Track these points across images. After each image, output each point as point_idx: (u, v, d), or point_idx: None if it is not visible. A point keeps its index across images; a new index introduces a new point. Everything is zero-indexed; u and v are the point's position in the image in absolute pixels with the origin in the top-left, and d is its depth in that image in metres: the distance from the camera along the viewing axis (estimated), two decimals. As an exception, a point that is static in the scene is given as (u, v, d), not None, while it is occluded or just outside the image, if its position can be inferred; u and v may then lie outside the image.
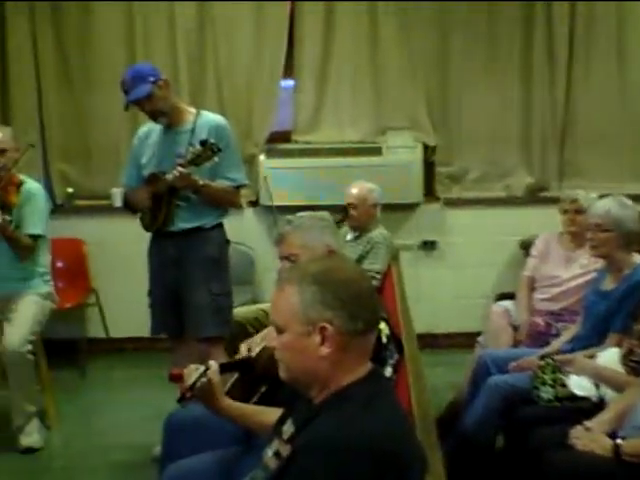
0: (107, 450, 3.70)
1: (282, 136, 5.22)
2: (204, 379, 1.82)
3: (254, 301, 4.78)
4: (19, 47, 5.09)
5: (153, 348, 4.79)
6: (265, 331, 2.52)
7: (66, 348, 4.82)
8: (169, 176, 3.26)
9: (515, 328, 3.82)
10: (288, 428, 1.59)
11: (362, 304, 1.50)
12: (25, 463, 3.59)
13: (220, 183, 3.40)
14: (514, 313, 3.90)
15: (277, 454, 1.58)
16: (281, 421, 1.66)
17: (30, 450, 3.65)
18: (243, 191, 3.97)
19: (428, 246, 5.23)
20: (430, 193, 5.21)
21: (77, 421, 4.11)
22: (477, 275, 5.14)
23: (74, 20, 5.10)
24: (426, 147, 5.11)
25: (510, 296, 4.14)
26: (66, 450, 3.76)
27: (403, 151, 5.04)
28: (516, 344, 3.74)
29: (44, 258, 3.90)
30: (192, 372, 1.84)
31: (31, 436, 3.67)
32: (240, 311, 3.80)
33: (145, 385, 4.60)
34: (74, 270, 5.07)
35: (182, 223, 3.41)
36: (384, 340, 2.10)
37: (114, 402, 4.41)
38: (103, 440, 3.84)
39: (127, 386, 4.69)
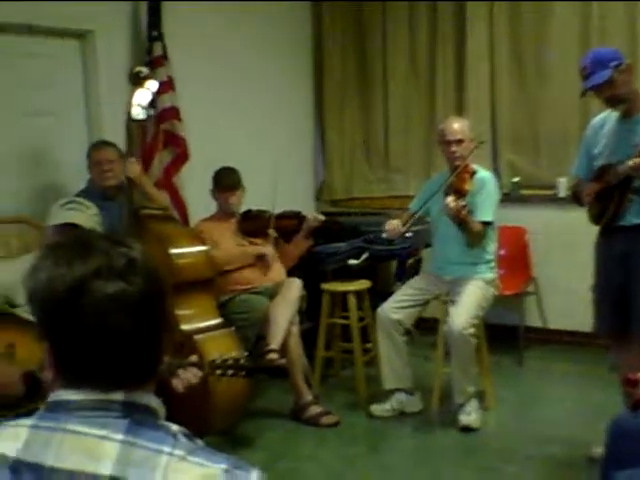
0: (541, 440, 3.68)
1: None
2: (664, 389, 1.69)
3: None
4: (478, 40, 5.32)
5: (590, 344, 4.63)
6: None
7: (505, 334, 4.93)
8: (621, 167, 3.07)
9: None
10: None
11: None
12: (462, 440, 3.76)
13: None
14: None
15: None
16: None
17: (468, 429, 3.80)
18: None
19: None
20: None
21: (513, 407, 4.17)
22: None
23: (529, 10, 5.14)
24: None
25: None
26: (501, 434, 3.84)
27: None
28: None
29: (491, 245, 4.03)
30: (649, 379, 1.72)
31: (470, 415, 3.83)
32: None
33: (581, 380, 4.50)
34: (516, 258, 5.14)
35: (634, 217, 3.20)
36: None
37: (549, 393, 4.38)
38: (537, 430, 3.83)
39: (563, 379, 4.61)
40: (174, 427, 1.06)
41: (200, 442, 1.08)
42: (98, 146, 3.87)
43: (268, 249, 4.16)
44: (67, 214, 2.83)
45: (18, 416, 1.10)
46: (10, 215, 3.82)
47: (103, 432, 1.01)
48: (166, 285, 1.11)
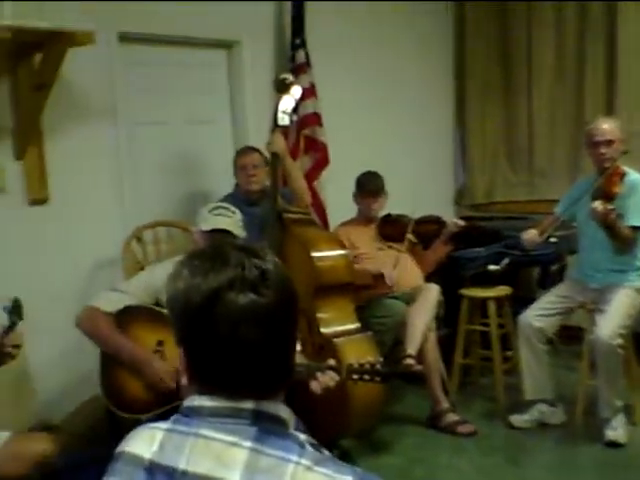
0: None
1: None
2: None
3: None
4: (631, 39, 5.10)
5: None
6: None
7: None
8: None
9: None
10: None
11: None
12: (607, 456, 3.59)
13: None
14: None
15: None
16: None
17: (614, 444, 3.63)
18: None
19: None
20: None
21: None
22: None
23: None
24: None
25: None
26: (650, 451, 3.65)
27: None
28: None
29: (642, 252, 3.83)
30: None
31: (616, 430, 3.65)
32: None
33: None
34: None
35: None
36: None
37: None
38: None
39: None
40: (302, 437, 1.07)
41: (327, 452, 1.08)
42: (244, 151, 4.00)
43: (388, 270, 4.06)
44: (215, 220, 2.92)
45: (163, 415, 1.15)
46: (160, 219, 4.02)
47: (233, 439, 1.04)
48: (297, 296, 1.13)
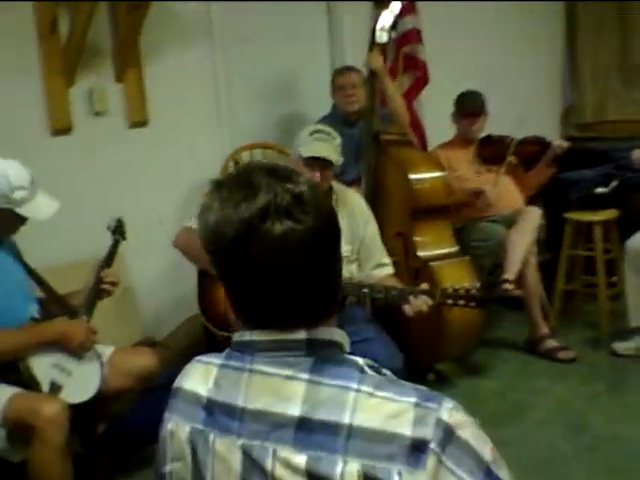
0: None
1: None
2: None
3: None
4: None
5: None
6: None
7: None
8: None
9: None
10: None
11: None
12: None
13: None
14: None
15: None
16: None
17: None
18: None
19: None
20: None
21: None
22: None
23: None
24: None
25: None
26: None
27: None
28: None
29: None
30: None
31: None
32: None
33: None
34: None
35: None
36: None
37: None
38: None
39: None
40: (360, 360, 1.03)
41: (388, 373, 1.04)
42: (342, 71, 3.92)
43: (489, 186, 3.91)
44: (315, 146, 2.85)
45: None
46: (257, 142, 4.01)
47: (289, 372, 1.01)
48: (336, 215, 1.06)
